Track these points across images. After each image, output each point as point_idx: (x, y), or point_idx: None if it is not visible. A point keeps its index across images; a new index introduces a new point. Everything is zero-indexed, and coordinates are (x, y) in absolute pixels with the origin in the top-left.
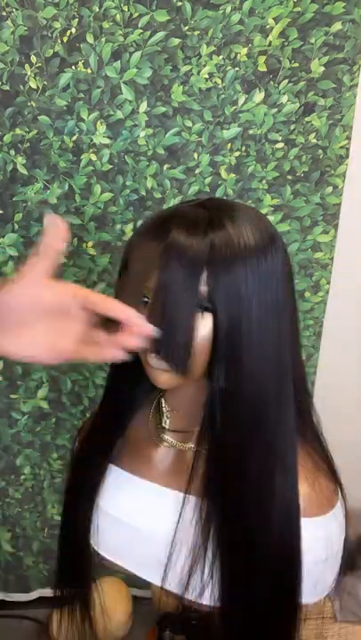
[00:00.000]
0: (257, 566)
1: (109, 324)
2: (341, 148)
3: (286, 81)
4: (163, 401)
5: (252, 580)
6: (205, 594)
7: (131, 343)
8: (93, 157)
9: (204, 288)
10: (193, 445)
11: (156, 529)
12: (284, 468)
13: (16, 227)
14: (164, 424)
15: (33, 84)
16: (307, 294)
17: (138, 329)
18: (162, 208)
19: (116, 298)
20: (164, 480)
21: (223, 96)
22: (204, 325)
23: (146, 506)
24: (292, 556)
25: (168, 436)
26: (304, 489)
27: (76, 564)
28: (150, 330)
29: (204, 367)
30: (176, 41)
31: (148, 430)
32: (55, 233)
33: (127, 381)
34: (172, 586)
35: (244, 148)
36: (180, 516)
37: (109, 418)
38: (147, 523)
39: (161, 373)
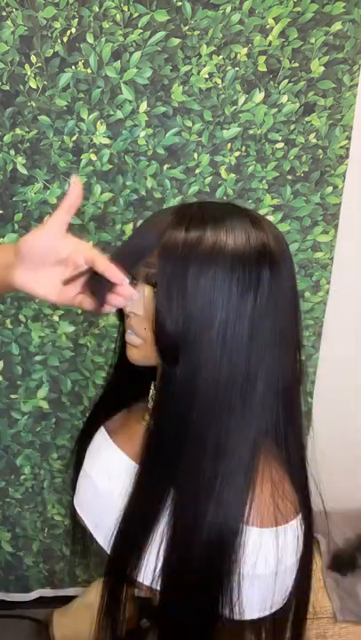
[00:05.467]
0: (185, 559)
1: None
2: (341, 148)
3: (286, 81)
4: (152, 383)
5: (182, 569)
6: (142, 571)
7: (117, 302)
8: (93, 157)
9: (152, 270)
10: None
11: (112, 494)
12: (232, 470)
13: (16, 227)
14: (149, 405)
15: (33, 84)
16: (307, 294)
17: (123, 291)
18: (162, 208)
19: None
20: (136, 455)
21: (223, 96)
22: (149, 300)
23: (114, 472)
24: (222, 560)
25: (148, 416)
26: (258, 497)
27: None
28: (133, 294)
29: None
30: (176, 41)
31: (142, 411)
32: (76, 192)
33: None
34: (115, 554)
35: (244, 148)
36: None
37: (114, 391)
38: (107, 485)
39: (130, 348)
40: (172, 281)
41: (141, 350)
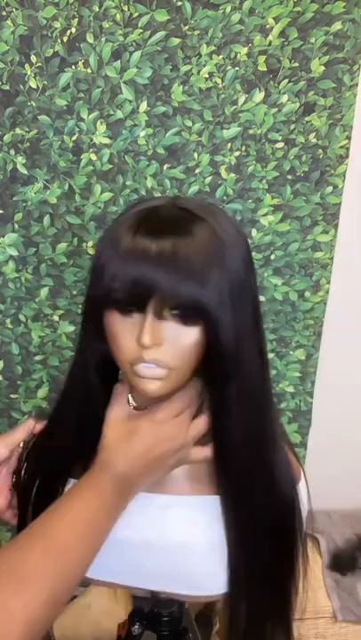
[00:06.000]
0: (264, 533)
1: None
2: (341, 147)
3: (286, 81)
4: (130, 397)
5: (260, 546)
6: (217, 584)
7: None
8: (93, 157)
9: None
10: None
11: (150, 537)
12: (276, 446)
13: (16, 226)
14: None
15: (33, 84)
16: (307, 294)
17: None
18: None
19: None
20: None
21: (223, 96)
22: (169, 325)
23: (137, 516)
24: (293, 513)
25: None
26: (289, 456)
27: None
28: None
29: (193, 369)
30: (176, 41)
31: None
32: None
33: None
34: (182, 588)
35: (244, 148)
36: (225, 520)
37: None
38: (138, 533)
39: (151, 382)
40: (216, 288)
41: (169, 380)
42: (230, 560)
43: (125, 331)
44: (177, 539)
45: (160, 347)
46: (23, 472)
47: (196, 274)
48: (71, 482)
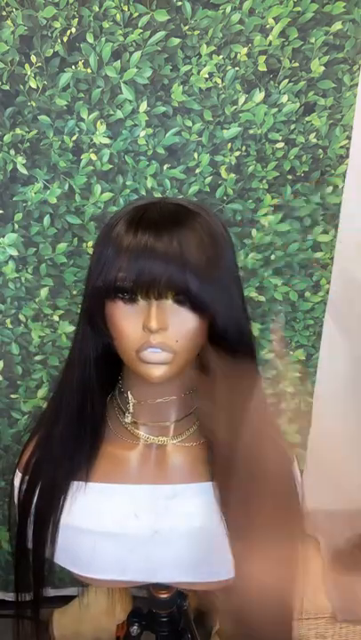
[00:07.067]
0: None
1: None
2: (341, 147)
3: (286, 81)
4: (129, 394)
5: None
6: (229, 569)
7: None
8: (93, 157)
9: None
10: (177, 440)
11: (158, 527)
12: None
13: (16, 227)
14: (126, 419)
15: (33, 84)
16: (307, 294)
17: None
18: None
19: None
20: (151, 478)
21: (223, 96)
22: (174, 311)
23: (146, 508)
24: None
25: (143, 432)
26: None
27: (34, 581)
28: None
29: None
30: (176, 41)
31: (119, 436)
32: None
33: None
34: (195, 576)
35: (244, 148)
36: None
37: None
38: (148, 525)
39: (157, 368)
40: (214, 275)
41: (173, 365)
42: (232, 543)
43: (130, 319)
44: (185, 527)
45: (166, 331)
46: (21, 485)
47: (199, 261)
48: (74, 485)
